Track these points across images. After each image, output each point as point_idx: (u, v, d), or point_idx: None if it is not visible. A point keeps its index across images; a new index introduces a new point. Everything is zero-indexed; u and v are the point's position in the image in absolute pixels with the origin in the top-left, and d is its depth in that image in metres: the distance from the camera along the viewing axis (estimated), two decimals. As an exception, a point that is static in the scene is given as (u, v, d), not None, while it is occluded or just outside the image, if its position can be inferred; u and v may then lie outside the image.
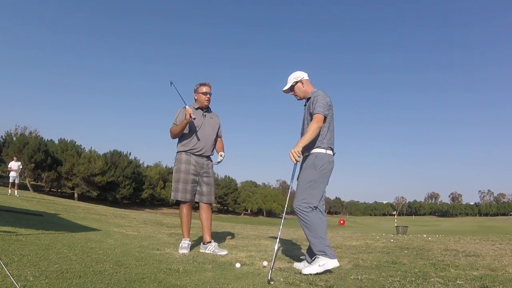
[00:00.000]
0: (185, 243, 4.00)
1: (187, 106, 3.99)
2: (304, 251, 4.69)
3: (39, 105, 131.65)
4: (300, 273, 3.02)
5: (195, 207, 4.12)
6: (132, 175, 54.68)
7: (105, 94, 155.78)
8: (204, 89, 4.17)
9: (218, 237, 5.73)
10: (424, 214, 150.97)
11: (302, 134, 3.34)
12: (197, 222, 4.55)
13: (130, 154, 56.76)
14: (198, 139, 4.09)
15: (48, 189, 50.57)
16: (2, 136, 46.70)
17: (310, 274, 2.90)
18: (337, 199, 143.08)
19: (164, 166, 66.56)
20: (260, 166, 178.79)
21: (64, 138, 52.40)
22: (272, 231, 10.01)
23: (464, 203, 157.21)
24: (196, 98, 4.22)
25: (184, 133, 4.08)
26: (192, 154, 4.08)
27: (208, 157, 4.20)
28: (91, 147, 54.86)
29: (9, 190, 16.78)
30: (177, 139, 4.19)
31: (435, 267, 3.41)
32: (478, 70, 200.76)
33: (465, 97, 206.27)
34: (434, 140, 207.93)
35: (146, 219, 11.06)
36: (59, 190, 52.00)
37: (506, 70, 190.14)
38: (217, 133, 4.30)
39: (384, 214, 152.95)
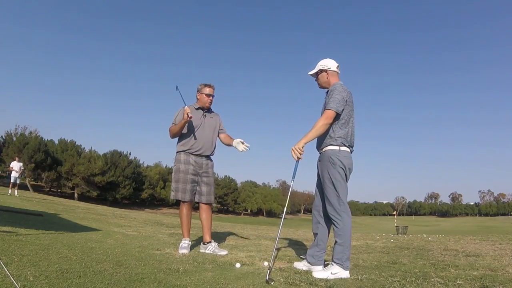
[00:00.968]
0: (185, 243, 4.00)
1: (186, 106, 3.99)
2: (304, 250, 4.69)
3: (39, 105, 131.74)
4: (300, 272, 3.02)
5: (195, 207, 4.12)
6: (132, 175, 54.70)
7: (105, 94, 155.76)
8: (208, 90, 4.17)
9: (218, 237, 5.73)
10: (424, 214, 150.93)
11: None
12: (197, 222, 4.55)
13: (130, 154, 56.87)
14: (198, 139, 4.08)
15: (48, 189, 50.58)
16: (2, 136, 46.77)
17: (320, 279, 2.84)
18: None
19: (164, 166, 66.61)
20: (260, 166, 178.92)
21: (64, 138, 52.52)
22: (272, 231, 10.02)
23: (464, 203, 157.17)
24: (198, 97, 4.22)
25: (183, 133, 4.07)
26: (191, 154, 4.08)
27: (207, 157, 4.19)
28: (91, 147, 54.98)
29: (10, 190, 16.79)
30: (176, 139, 4.18)
31: (435, 267, 3.41)
32: (478, 70, 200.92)
33: (465, 97, 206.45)
34: (434, 140, 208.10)
35: (146, 219, 11.06)
36: (59, 190, 52.01)
37: (506, 70, 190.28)
38: (218, 132, 4.29)
39: (384, 214, 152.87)
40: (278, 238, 3.14)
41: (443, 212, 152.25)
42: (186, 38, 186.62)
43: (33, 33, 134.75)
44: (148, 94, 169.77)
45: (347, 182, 3.15)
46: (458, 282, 2.69)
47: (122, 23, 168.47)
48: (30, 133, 47.78)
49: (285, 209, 3.26)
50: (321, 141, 3.20)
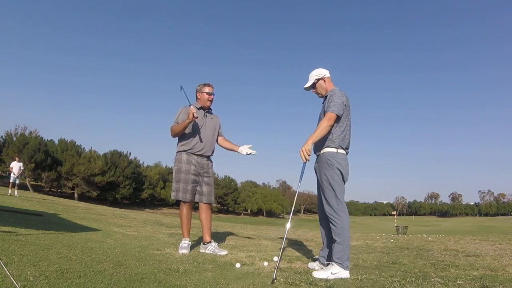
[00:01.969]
0: (185, 243, 4.00)
1: (191, 106, 3.99)
2: (304, 250, 4.69)
3: (39, 105, 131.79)
4: (300, 272, 3.03)
5: (195, 207, 4.12)
6: (132, 175, 54.70)
7: (105, 94, 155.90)
8: (208, 89, 4.18)
9: (218, 237, 5.73)
10: (424, 214, 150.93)
11: None
12: (197, 222, 4.55)
13: (130, 154, 56.85)
14: (200, 139, 4.09)
15: (48, 189, 50.59)
16: (2, 136, 46.76)
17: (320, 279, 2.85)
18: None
19: (164, 166, 66.61)
20: (260, 166, 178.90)
21: (64, 138, 52.51)
22: (272, 231, 10.02)
23: (464, 203, 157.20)
24: (199, 97, 4.22)
25: (185, 133, 4.07)
26: (193, 154, 4.08)
27: (208, 157, 4.20)
28: (91, 147, 54.94)
29: (9, 190, 16.80)
30: (176, 139, 4.18)
31: (435, 267, 3.41)
32: (478, 69, 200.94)
33: (465, 97, 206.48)
34: (434, 140, 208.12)
35: (146, 219, 11.06)
36: (59, 190, 52.03)
37: (506, 69, 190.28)
38: (218, 133, 4.30)
39: (384, 214, 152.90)
40: (285, 238, 3.18)
41: (443, 212, 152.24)
42: (186, 37, 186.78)
43: (33, 32, 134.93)
44: (148, 94, 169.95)
45: (344, 183, 3.21)
46: (458, 282, 2.69)
47: (122, 22, 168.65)
48: (30, 133, 47.79)
49: (293, 208, 3.30)
50: (319, 143, 3.25)
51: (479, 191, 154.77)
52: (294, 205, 3.37)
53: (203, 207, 4.14)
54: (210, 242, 4.08)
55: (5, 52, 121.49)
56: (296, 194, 3.39)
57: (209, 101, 4.19)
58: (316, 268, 3.23)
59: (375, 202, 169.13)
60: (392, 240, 6.63)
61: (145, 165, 64.10)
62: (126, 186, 53.11)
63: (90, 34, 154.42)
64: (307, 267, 3.32)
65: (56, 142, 51.55)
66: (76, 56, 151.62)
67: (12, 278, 1.92)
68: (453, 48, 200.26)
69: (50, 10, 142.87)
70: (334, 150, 3.18)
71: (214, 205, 4.38)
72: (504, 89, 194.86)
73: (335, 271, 2.91)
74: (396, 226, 16.40)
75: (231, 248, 4.50)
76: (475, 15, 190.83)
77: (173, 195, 4.08)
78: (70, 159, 48.36)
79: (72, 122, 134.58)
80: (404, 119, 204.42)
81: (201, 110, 4.19)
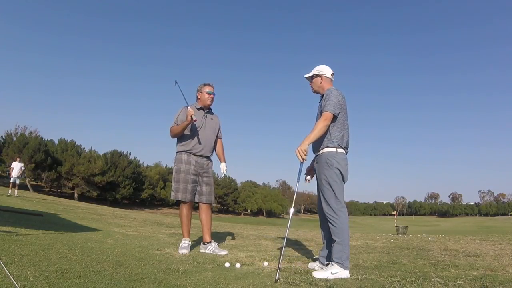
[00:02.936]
0: (185, 243, 4.00)
1: (189, 107, 3.99)
2: (304, 250, 4.69)
3: (39, 105, 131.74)
4: (300, 272, 3.02)
5: (195, 207, 4.12)
6: (132, 175, 54.68)
7: (105, 95, 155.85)
8: (208, 89, 4.19)
9: (218, 237, 5.73)
10: (424, 214, 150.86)
11: None
12: (197, 222, 4.55)
13: (130, 154, 56.84)
14: (199, 140, 4.09)
15: (48, 189, 50.58)
16: (2, 136, 46.73)
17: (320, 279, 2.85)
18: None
19: (164, 166, 66.58)
20: (260, 166, 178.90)
21: (64, 138, 52.48)
22: (272, 231, 10.01)
23: (464, 203, 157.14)
24: (199, 97, 4.23)
25: (185, 133, 4.08)
26: (193, 154, 4.09)
27: (208, 158, 4.20)
28: (91, 147, 54.94)
29: (10, 190, 16.81)
30: (176, 139, 4.19)
31: (435, 267, 3.41)
32: (478, 70, 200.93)
33: (465, 98, 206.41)
34: (434, 140, 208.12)
35: (146, 219, 11.06)
36: (59, 190, 52.01)
37: (506, 70, 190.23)
38: (217, 134, 4.30)
39: (384, 214, 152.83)
40: (286, 239, 3.18)
41: (443, 212, 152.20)
42: (186, 38, 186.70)
43: (33, 33, 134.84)
44: (148, 94, 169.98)
45: (344, 183, 3.21)
46: (458, 282, 2.69)
47: (122, 24, 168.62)
48: (30, 133, 47.77)
49: (292, 208, 3.31)
50: (318, 143, 3.25)
51: (479, 191, 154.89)
52: (293, 203, 3.37)
53: (203, 207, 4.14)
54: (210, 242, 4.08)
55: (6, 53, 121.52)
56: (295, 194, 3.40)
57: (209, 100, 4.19)
58: (316, 268, 3.23)
59: (375, 202, 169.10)
60: (392, 240, 6.63)
61: (145, 165, 64.11)
62: (126, 186, 53.09)
63: (90, 35, 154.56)
64: (307, 267, 3.33)
65: (56, 142, 51.55)
66: (76, 57, 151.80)
67: (12, 278, 1.92)
68: (453, 49, 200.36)
69: (50, 12, 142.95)
70: (333, 149, 3.18)
71: (214, 205, 4.39)
72: (504, 90, 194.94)
73: (335, 271, 2.91)
74: (396, 226, 16.40)
75: (231, 248, 4.50)
76: (475, 15, 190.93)
77: (172, 195, 4.07)
78: (70, 159, 48.34)
79: (72, 122, 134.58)
80: (404, 120, 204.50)
81: (201, 110, 4.19)
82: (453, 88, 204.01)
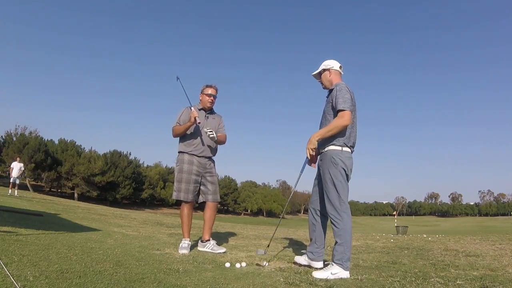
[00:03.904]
0: (185, 243, 4.01)
1: (192, 108, 4.01)
2: (304, 249, 4.69)
3: (39, 105, 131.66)
4: (300, 272, 3.02)
5: (195, 207, 4.13)
6: (132, 175, 54.71)
7: (105, 94, 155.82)
8: (210, 91, 4.20)
9: (218, 237, 5.73)
10: (424, 214, 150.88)
11: (321, 127, 3.25)
12: (197, 222, 4.56)
13: (130, 154, 56.93)
14: (201, 141, 4.11)
15: (48, 189, 50.59)
16: (2, 136, 46.79)
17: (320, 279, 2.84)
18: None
19: (164, 166, 66.66)
20: (260, 166, 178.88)
21: (64, 138, 52.56)
22: (272, 231, 10.00)
23: (464, 203, 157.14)
24: (200, 98, 4.25)
25: (187, 133, 4.10)
26: (195, 155, 4.10)
27: (209, 158, 4.21)
28: (91, 147, 55.03)
29: (10, 190, 16.81)
30: (178, 139, 4.21)
31: (435, 267, 3.41)
32: (478, 70, 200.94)
33: (465, 97, 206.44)
34: (434, 140, 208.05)
35: (146, 219, 11.06)
36: (59, 190, 52.02)
37: (506, 70, 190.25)
38: (218, 131, 4.28)
39: (384, 214, 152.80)
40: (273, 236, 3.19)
41: (443, 212, 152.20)
42: (186, 38, 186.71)
43: (33, 33, 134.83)
44: (148, 94, 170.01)
45: (348, 182, 3.16)
46: (458, 282, 2.69)
47: (122, 23, 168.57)
48: (30, 133, 47.81)
49: (285, 208, 3.30)
50: (323, 140, 3.19)
51: (479, 191, 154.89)
52: (286, 205, 3.39)
53: (209, 206, 4.17)
54: (208, 240, 4.12)
55: (5, 52, 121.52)
56: (292, 193, 3.40)
57: (209, 102, 4.20)
58: (304, 262, 3.25)
59: (375, 202, 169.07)
60: (392, 240, 6.63)
61: (145, 165, 64.16)
62: (126, 186, 53.13)
63: (90, 34, 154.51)
64: (294, 260, 3.33)
65: (56, 142, 51.60)
66: (76, 57, 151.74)
67: (12, 278, 1.92)
68: (453, 48, 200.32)
69: (49, 10, 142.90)
70: (339, 148, 3.10)
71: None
72: (504, 89, 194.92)
73: (335, 271, 2.91)
74: (396, 226, 16.38)
75: (231, 248, 4.50)
76: (474, 15, 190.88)
77: (174, 195, 4.10)
78: (70, 159, 48.37)
79: (72, 122, 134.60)
80: (404, 119, 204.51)
81: (202, 111, 4.20)
82: (453, 87, 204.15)
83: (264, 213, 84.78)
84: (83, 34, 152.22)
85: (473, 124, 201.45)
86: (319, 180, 3.28)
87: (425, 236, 8.22)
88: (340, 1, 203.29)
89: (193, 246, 4.29)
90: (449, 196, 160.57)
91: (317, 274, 2.91)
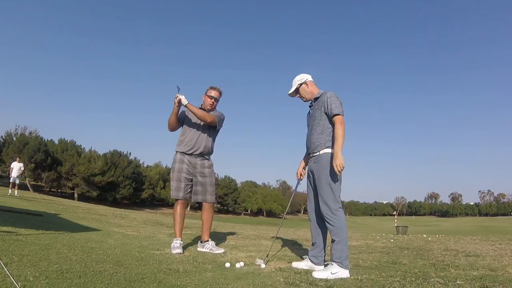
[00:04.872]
0: (177, 242, 3.96)
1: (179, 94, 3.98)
2: (304, 250, 4.69)
3: (39, 105, 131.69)
4: (300, 272, 3.03)
5: (195, 207, 4.13)
6: (132, 175, 54.67)
7: (105, 94, 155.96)
8: (212, 93, 4.22)
9: (218, 237, 5.73)
10: (424, 214, 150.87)
11: (310, 135, 3.35)
12: (197, 222, 4.56)
13: (130, 154, 56.85)
14: (190, 139, 4.13)
15: (48, 189, 50.55)
16: (2, 136, 46.73)
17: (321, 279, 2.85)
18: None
19: (164, 166, 66.60)
20: (260, 166, 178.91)
21: (64, 138, 52.46)
22: (272, 231, 10.00)
23: (464, 203, 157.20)
24: (203, 99, 4.27)
25: (181, 134, 4.17)
26: (185, 153, 4.13)
27: (202, 157, 4.17)
28: (91, 147, 54.96)
29: (10, 190, 16.80)
30: (177, 139, 4.23)
31: (435, 267, 3.41)
32: (478, 70, 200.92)
33: (465, 97, 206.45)
34: (434, 140, 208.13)
35: (146, 219, 11.05)
36: (59, 190, 51.99)
37: (506, 70, 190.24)
38: (214, 128, 4.25)
39: (384, 214, 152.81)
40: (276, 236, 3.19)
41: (443, 212, 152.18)
42: (186, 38, 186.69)
43: (33, 33, 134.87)
44: (148, 94, 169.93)
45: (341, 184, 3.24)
46: (458, 282, 2.69)
47: (122, 23, 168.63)
48: (30, 133, 47.75)
49: (287, 209, 3.31)
50: (316, 143, 3.26)
51: (479, 191, 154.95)
52: (288, 206, 3.41)
53: (204, 207, 4.20)
54: (207, 241, 4.14)
55: (5, 52, 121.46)
56: (292, 195, 3.41)
57: (209, 105, 4.20)
58: (304, 267, 3.25)
59: (375, 202, 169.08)
60: (392, 240, 6.62)
61: (145, 165, 64.13)
62: (126, 186, 53.08)
63: (90, 34, 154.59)
64: (292, 266, 3.32)
65: (56, 142, 51.52)
66: (76, 56, 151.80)
67: (12, 278, 1.92)
68: (453, 49, 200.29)
69: (50, 11, 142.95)
70: (332, 150, 3.18)
71: (215, 205, 4.39)
72: (504, 89, 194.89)
73: (335, 271, 2.91)
74: (396, 226, 16.39)
75: (231, 248, 4.50)
76: (475, 15, 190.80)
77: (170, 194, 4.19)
78: (70, 159, 48.33)
79: (72, 122, 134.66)
80: (404, 119, 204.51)
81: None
82: (453, 88, 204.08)
83: (264, 213, 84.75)
84: (83, 34, 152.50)
85: (473, 124, 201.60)
86: (314, 183, 3.31)
87: (425, 236, 8.21)
88: (340, 1, 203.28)
89: (192, 245, 4.29)
90: (449, 196, 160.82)
91: (317, 274, 2.92)
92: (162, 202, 63.08)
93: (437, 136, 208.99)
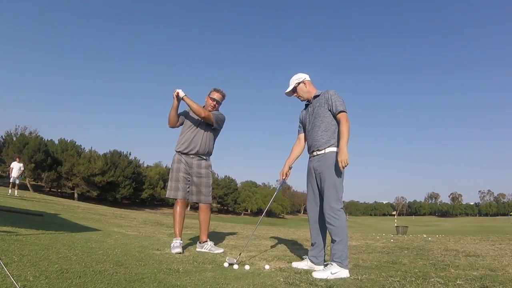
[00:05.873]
0: (177, 242, 3.97)
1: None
2: (304, 250, 4.69)
3: (39, 105, 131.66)
4: (300, 272, 3.02)
5: (195, 207, 4.14)
6: (132, 175, 54.67)
7: (105, 94, 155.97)
8: (215, 95, 4.23)
9: (218, 237, 5.73)
10: (424, 214, 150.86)
11: (313, 132, 3.32)
12: (197, 222, 4.56)
13: (130, 154, 56.84)
14: (187, 139, 4.15)
15: (48, 189, 50.55)
16: (2, 136, 46.73)
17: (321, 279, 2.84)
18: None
19: (164, 166, 66.58)
20: (260, 166, 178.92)
21: (64, 138, 52.45)
22: (272, 231, 10.00)
23: (464, 203, 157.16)
24: (205, 100, 4.28)
25: (179, 135, 4.20)
26: (182, 153, 4.15)
27: (199, 157, 4.17)
28: (91, 147, 54.99)
29: (10, 190, 16.79)
30: (177, 138, 4.24)
31: (435, 267, 3.41)
32: (478, 70, 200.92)
33: (465, 97, 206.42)
34: (434, 140, 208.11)
35: (146, 219, 11.04)
36: (59, 190, 51.97)
37: (506, 70, 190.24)
38: (211, 128, 4.25)
39: (384, 214, 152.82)
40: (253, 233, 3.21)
41: (443, 212, 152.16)
42: (186, 39, 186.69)
43: (33, 33, 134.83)
44: (148, 94, 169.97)
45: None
46: (458, 282, 2.69)
47: (122, 23, 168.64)
48: (30, 133, 47.74)
49: (267, 208, 3.34)
50: (321, 140, 3.24)
51: (479, 191, 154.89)
52: (268, 205, 3.42)
53: (200, 207, 4.22)
54: (206, 241, 4.16)
55: (5, 52, 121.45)
56: (276, 193, 3.43)
57: (210, 106, 4.20)
58: (304, 267, 3.25)
59: (375, 202, 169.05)
60: (392, 240, 6.62)
61: (145, 165, 64.12)
62: (126, 186, 53.08)
63: (91, 35, 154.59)
64: (292, 266, 3.31)
65: (56, 142, 51.51)
66: (76, 57, 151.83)
67: (12, 278, 1.92)
68: (453, 49, 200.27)
69: (50, 11, 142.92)
70: (336, 149, 3.18)
71: (214, 205, 4.40)
72: (504, 89, 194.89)
73: (335, 271, 2.91)
74: (396, 226, 16.38)
75: (231, 248, 4.50)
76: (475, 15, 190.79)
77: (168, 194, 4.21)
78: (70, 159, 48.33)
79: (72, 122, 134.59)
80: (404, 119, 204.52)
81: None
82: (453, 88, 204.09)
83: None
84: (83, 34, 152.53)
85: (473, 124, 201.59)
86: (316, 182, 3.30)
87: (425, 236, 8.21)
88: (340, 1, 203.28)
89: (191, 245, 4.29)
90: (449, 196, 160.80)
91: (317, 274, 2.92)
92: (162, 202, 63.07)
93: (437, 136, 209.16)
